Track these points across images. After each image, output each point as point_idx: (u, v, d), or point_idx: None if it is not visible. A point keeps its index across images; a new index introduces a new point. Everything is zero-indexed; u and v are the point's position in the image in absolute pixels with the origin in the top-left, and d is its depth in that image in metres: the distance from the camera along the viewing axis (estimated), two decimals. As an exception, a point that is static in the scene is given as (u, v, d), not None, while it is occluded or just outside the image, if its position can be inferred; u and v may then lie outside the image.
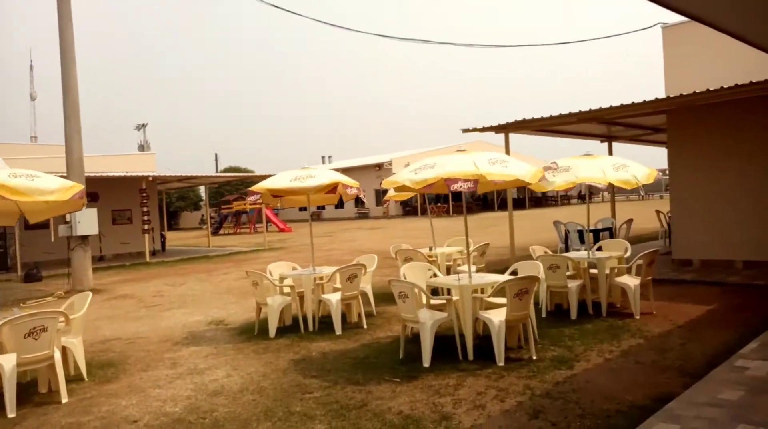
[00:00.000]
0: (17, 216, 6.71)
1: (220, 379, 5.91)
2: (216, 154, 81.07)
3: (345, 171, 8.54)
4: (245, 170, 62.81)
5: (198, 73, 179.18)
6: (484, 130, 12.51)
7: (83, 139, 13.91)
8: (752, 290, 8.86)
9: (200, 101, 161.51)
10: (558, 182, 7.68)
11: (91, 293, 6.62)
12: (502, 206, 47.02)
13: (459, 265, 10.06)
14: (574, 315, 7.53)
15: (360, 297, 7.98)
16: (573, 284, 7.62)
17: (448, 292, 6.56)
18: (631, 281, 7.59)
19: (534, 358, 5.89)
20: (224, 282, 13.62)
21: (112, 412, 5.16)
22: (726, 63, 10.82)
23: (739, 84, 8.72)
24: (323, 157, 71.30)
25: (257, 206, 33.08)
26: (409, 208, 48.00)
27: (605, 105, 10.29)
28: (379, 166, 48.51)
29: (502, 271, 7.53)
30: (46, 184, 5.86)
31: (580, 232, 12.46)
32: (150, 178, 21.57)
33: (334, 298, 7.66)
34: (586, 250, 8.82)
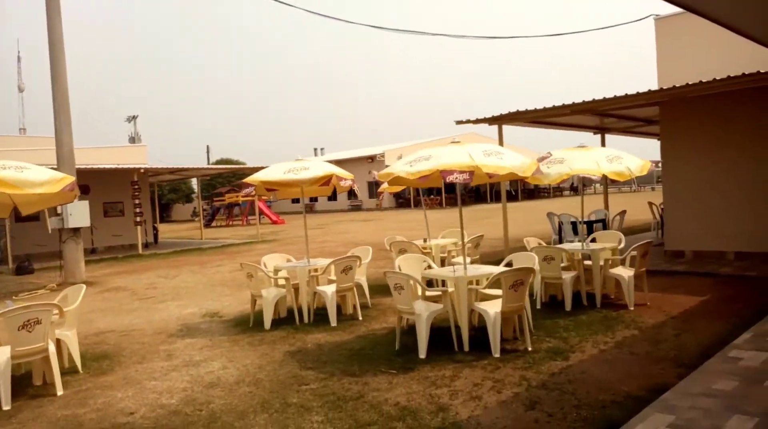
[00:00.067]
0: (10, 208, 6.65)
1: (215, 371, 5.90)
2: (208, 146, 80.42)
3: (337, 163, 8.52)
4: (237, 162, 62.54)
5: (190, 65, 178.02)
6: (477, 121, 12.50)
7: (73, 132, 13.80)
8: (744, 281, 8.93)
9: (191, 93, 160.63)
10: (552, 175, 7.69)
11: (84, 285, 6.59)
12: (496, 198, 47.10)
13: (453, 256, 10.08)
14: (568, 306, 7.56)
15: (355, 289, 7.99)
16: (567, 276, 7.65)
17: (443, 283, 6.57)
18: (625, 272, 7.63)
19: (529, 349, 5.92)
20: (218, 274, 13.58)
21: (107, 404, 5.14)
22: (718, 55, 10.84)
23: (731, 76, 8.75)
24: (315, 149, 71.23)
25: (250, 198, 33.02)
26: (402, 200, 47.99)
27: (599, 96, 10.31)
28: (371, 158, 48.43)
29: (497, 263, 7.55)
30: (35, 176, 5.82)
31: (574, 224, 12.50)
32: (142, 171, 21.43)
33: (329, 289, 7.65)
34: (580, 241, 8.85)
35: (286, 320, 7.92)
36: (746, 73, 8.62)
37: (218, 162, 65.68)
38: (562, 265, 7.77)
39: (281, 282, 8.00)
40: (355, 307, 7.99)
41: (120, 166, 21.50)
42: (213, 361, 6.30)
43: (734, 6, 5.56)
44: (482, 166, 5.86)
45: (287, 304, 8.12)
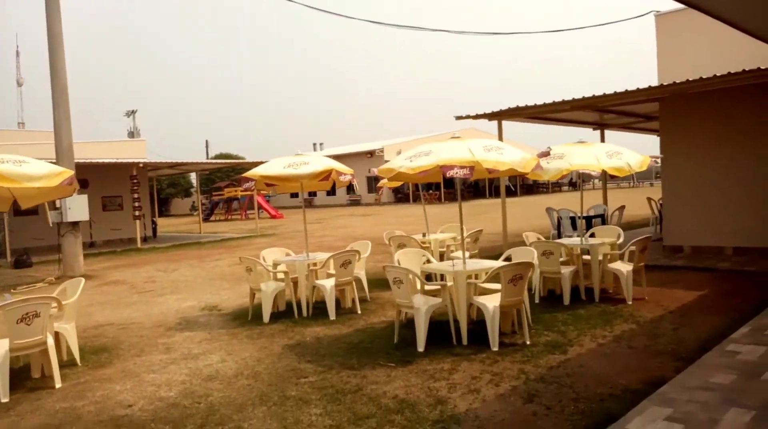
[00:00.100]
0: (10, 201, 6.63)
1: (214, 364, 5.90)
2: (207, 141, 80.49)
3: (336, 158, 8.51)
4: (236, 157, 62.46)
5: (189, 60, 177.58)
6: (477, 117, 12.50)
7: (72, 126, 13.77)
8: (742, 276, 8.95)
9: (190, 88, 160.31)
10: (552, 170, 7.68)
11: (83, 279, 6.59)
12: (495, 193, 47.11)
13: (452, 251, 10.09)
14: (567, 301, 7.57)
15: (354, 283, 7.99)
16: (566, 270, 7.66)
17: (442, 277, 6.58)
18: (623, 267, 7.64)
19: (528, 343, 5.93)
20: (217, 268, 13.59)
21: (106, 397, 5.15)
22: (718, 51, 10.83)
23: (731, 72, 8.74)
24: (314, 144, 71.13)
25: (249, 193, 32.99)
26: (401, 195, 47.98)
27: (598, 92, 10.31)
28: (370, 154, 48.37)
29: (495, 258, 7.55)
30: (34, 170, 5.80)
31: (573, 219, 12.50)
32: (140, 165, 21.38)
33: (328, 283, 7.66)
34: (578, 236, 8.85)
35: (284, 314, 7.93)
36: (746, 69, 8.61)
37: (217, 156, 65.58)
38: (561, 259, 7.78)
39: (280, 276, 8.00)
40: (354, 300, 7.99)
41: (119, 161, 21.47)
42: (211, 354, 6.31)
43: (735, 2, 5.56)
44: (482, 162, 5.86)
45: (286, 297, 8.12)
